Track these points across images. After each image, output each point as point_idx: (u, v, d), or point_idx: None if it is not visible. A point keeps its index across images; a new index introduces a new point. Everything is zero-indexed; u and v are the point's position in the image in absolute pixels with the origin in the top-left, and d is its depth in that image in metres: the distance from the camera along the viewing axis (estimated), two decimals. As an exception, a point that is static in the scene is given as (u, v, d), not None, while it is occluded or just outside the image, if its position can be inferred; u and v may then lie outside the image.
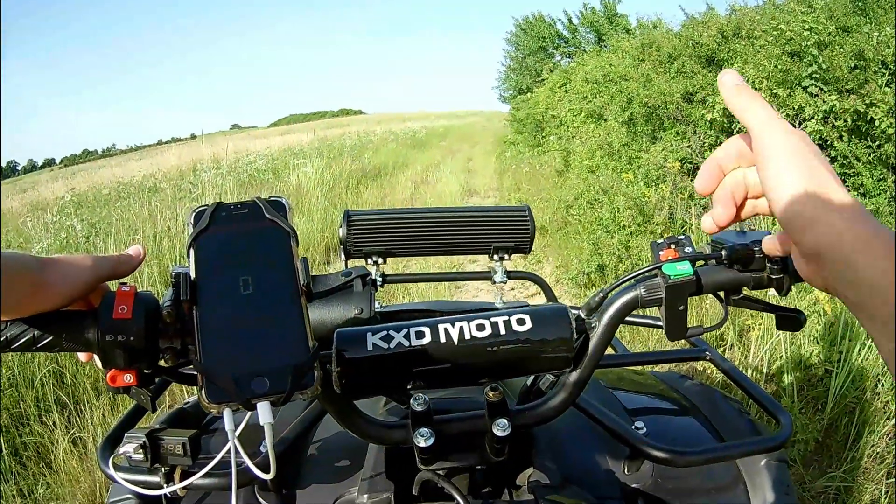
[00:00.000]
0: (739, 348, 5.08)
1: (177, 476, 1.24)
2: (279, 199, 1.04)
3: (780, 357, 4.72)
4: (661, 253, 1.17)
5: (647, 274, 1.16)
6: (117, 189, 15.49)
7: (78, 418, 4.80)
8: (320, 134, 32.00)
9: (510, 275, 2.25)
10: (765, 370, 4.73)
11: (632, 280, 1.17)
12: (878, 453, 3.92)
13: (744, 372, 1.73)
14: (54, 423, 4.65)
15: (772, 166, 0.85)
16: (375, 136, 32.44)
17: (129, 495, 1.47)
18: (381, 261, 2.14)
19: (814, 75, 7.08)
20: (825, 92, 6.93)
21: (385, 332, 1.07)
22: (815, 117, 6.88)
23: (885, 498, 3.61)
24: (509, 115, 32.37)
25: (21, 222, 11.84)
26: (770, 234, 1.10)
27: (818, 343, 4.72)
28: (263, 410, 0.84)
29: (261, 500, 1.41)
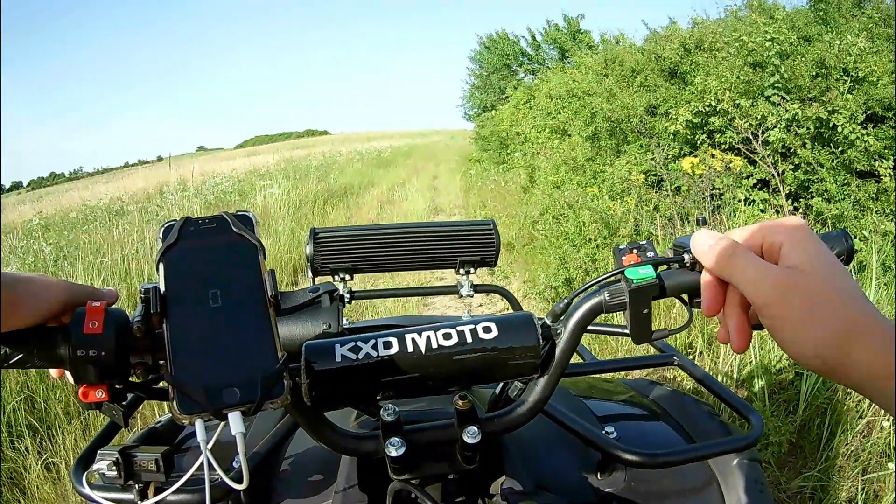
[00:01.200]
0: (709, 355, 5.12)
1: (150, 492, 1.24)
2: (246, 214, 1.05)
3: (750, 362, 4.76)
4: (623, 258, 1.17)
5: (610, 279, 1.17)
6: (84, 212, 15.50)
7: (50, 443, 4.79)
8: (286, 155, 32.16)
9: (477, 288, 2.27)
10: (735, 376, 4.77)
11: (595, 286, 1.18)
12: (851, 451, 3.96)
13: (714, 378, 1.75)
14: (26, 449, 4.63)
15: (785, 328, 0.85)
16: (341, 156, 32.68)
17: None
18: (348, 277, 2.15)
19: (776, 85, 7.15)
20: (788, 101, 7.01)
21: (353, 344, 1.07)
22: (779, 126, 6.94)
23: (861, 495, 3.65)
24: (474, 133, 32.51)
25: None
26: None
27: None
28: (235, 420, 0.85)
29: None
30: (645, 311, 1.14)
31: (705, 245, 0.98)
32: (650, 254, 1.17)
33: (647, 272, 1.12)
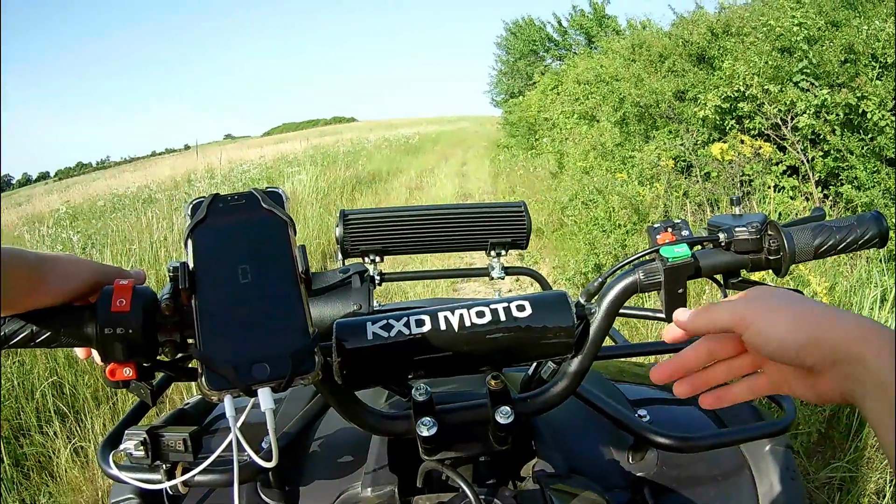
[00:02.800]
0: None
1: (178, 472, 1.23)
2: (276, 190, 1.05)
3: None
4: (658, 236, 1.18)
5: (645, 258, 1.17)
6: (112, 201, 15.45)
7: (78, 427, 4.79)
8: (314, 142, 32.03)
9: (507, 270, 2.25)
10: None
11: (630, 265, 1.18)
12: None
13: None
14: (55, 433, 4.65)
15: (760, 321, 0.88)
16: (369, 142, 32.43)
17: (131, 495, 1.46)
18: (378, 259, 2.13)
19: (804, 70, 7.08)
20: (816, 86, 6.93)
21: (385, 321, 1.07)
22: (808, 112, 6.87)
23: (890, 487, 3.61)
24: (501, 119, 32.34)
25: (17, 234, 11.83)
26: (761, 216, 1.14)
27: None
28: (264, 396, 0.85)
29: (263, 497, 1.41)
30: (680, 291, 1.15)
31: (685, 318, 0.97)
32: (685, 233, 1.18)
33: (683, 251, 1.13)
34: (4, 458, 4.37)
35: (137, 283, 1.04)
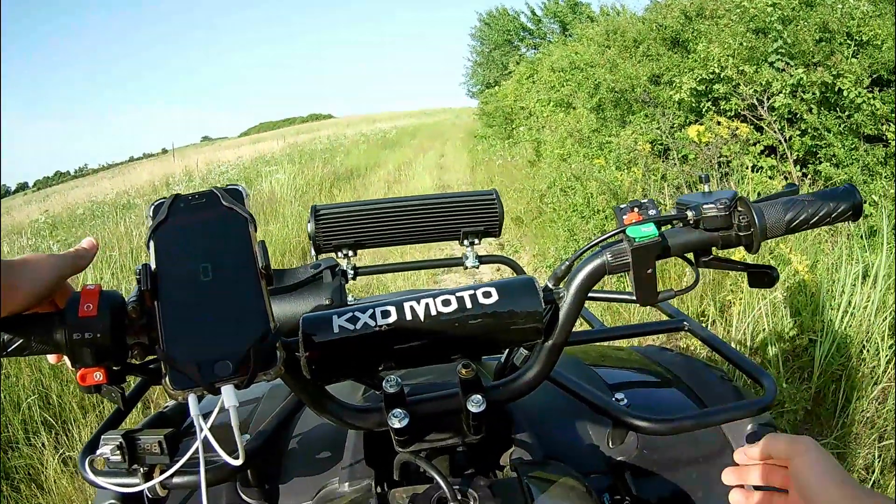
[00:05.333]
0: (721, 323, 5.10)
1: (156, 475, 1.22)
2: (236, 187, 1.05)
3: (763, 330, 4.74)
4: (624, 217, 1.18)
5: (611, 239, 1.17)
6: (91, 208, 15.57)
7: (66, 438, 4.80)
8: (291, 140, 32.33)
9: (482, 259, 2.25)
10: (748, 343, 4.74)
11: (597, 247, 1.18)
12: (867, 418, 3.94)
13: (725, 342, 1.73)
14: (43, 445, 4.65)
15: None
16: (346, 138, 32.78)
17: (113, 500, 1.45)
18: (351, 253, 2.13)
19: (780, 50, 7.09)
20: (792, 66, 6.96)
21: (350, 314, 1.07)
22: (784, 91, 6.90)
23: (878, 462, 3.63)
24: (478, 110, 32.48)
25: (-4, 247, 11.84)
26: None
27: (800, 314, 4.72)
28: (227, 393, 0.85)
29: (243, 496, 1.40)
30: (649, 272, 1.15)
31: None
32: (652, 212, 1.17)
33: (650, 230, 1.12)
34: None
35: (92, 253, 1.07)
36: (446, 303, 1.08)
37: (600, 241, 1.19)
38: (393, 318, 1.06)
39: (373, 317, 1.06)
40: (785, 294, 4.88)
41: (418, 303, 1.08)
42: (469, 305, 1.07)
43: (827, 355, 4.30)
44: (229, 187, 1.05)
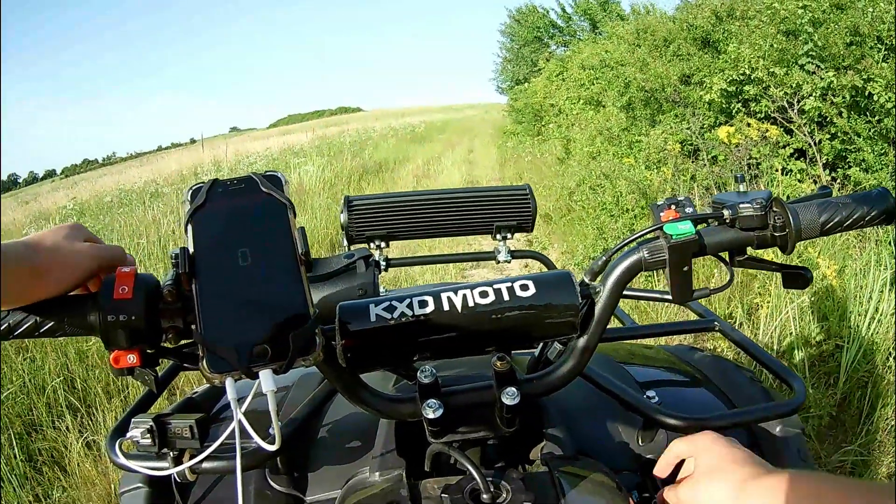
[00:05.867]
0: (749, 326, 5.06)
1: (185, 459, 1.23)
2: (275, 174, 1.06)
3: (790, 334, 4.69)
4: (661, 214, 1.18)
5: (648, 236, 1.17)
6: (119, 196, 15.46)
7: (90, 421, 4.83)
8: (320, 132, 31.99)
9: (514, 254, 2.26)
10: (775, 347, 4.69)
11: (634, 243, 1.18)
12: (892, 427, 3.89)
13: (756, 343, 1.72)
14: (67, 428, 4.67)
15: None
16: (375, 132, 32.51)
17: (140, 483, 1.47)
18: (383, 245, 2.15)
19: (810, 53, 7.03)
20: (822, 69, 6.89)
21: (388, 303, 1.07)
22: (814, 94, 6.84)
23: (902, 470, 3.55)
24: (507, 106, 32.32)
25: (25, 233, 11.84)
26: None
27: (827, 319, 4.69)
28: (265, 378, 0.87)
29: (272, 483, 1.41)
30: (685, 269, 1.15)
31: None
32: (689, 209, 1.18)
33: (687, 228, 1.13)
34: (18, 454, 4.40)
35: (128, 259, 1.07)
36: (484, 294, 1.08)
37: (637, 238, 1.19)
38: (430, 308, 1.07)
39: (410, 306, 1.07)
40: (812, 298, 4.85)
41: (456, 293, 1.08)
42: (507, 298, 1.08)
43: (853, 361, 4.26)
44: (268, 173, 1.06)
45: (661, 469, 1.22)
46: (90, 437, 4.62)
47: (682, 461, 1.20)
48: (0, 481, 4.14)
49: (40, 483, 4.32)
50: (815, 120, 7.05)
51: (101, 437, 4.61)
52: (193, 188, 1.04)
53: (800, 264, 1.23)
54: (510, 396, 1.08)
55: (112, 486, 4.15)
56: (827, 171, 7.05)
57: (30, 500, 4.15)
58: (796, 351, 4.57)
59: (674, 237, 1.12)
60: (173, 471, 1.20)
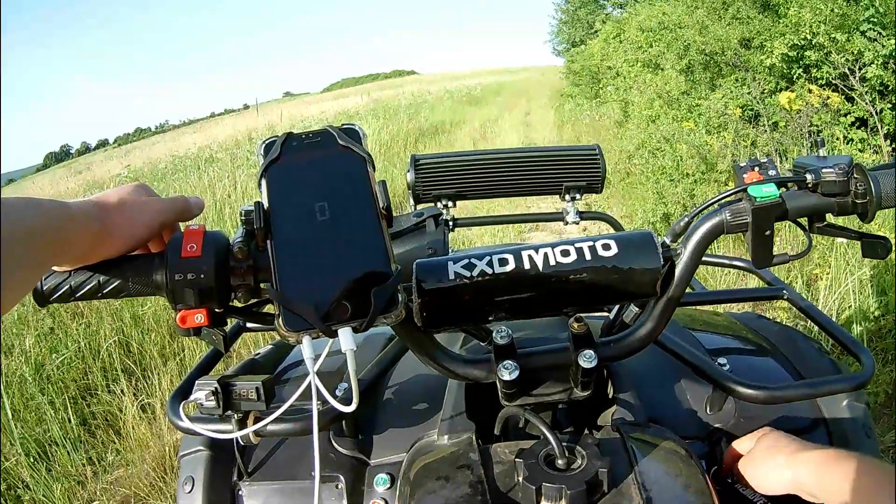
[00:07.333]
0: (808, 298, 4.92)
1: (250, 421, 1.23)
2: (352, 126, 1.04)
3: (849, 307, 4.67)
4: (745, 175, 1.16)
5: (731, 198, 1.15)
6: (173, 162, 15.66)
7: (145, 384, 4.91)
8: (374, 96, 32.05)
9: (582, 215, 2.22)
10: (834, 319, 4.58)
11: (716, 205, 1.16)
12: None
13: (824, 313, 1.69)
14: (122, 391, 4.76)
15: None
16: (430, 95, 32.42)
17: (201, 446, 1.47)
18: (450, 204, 2.13)
19: (871, 19, 6.95)
20: (884, 36, 6.81)
21: (467, 261, 1.05)
22: (875, 62, 6.78)
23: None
24: (564, 69, 32.05)
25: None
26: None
27: (886, 293, 4.67)
28: (345, 336, 0.85)
29: (336, 446, 1.41)
30: (767, 233, 1.12)
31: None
32: (772, 172, 1.16)
33: (771, 190, 1.10)
34: (73, 418, 4.49)
35: (197, 211, 1.07)
36: (565, 253, 1.05)
37: (720, 199, 1.16)
38: (511, 266, 1.04)
39: (490, 264, 1.04)
40: (872, 272, 4.80)
41: (537, 252, 1.06)
42: (588, 257, 1.05)
43: (911, 338, 4.16)
44: (345, 126, 1.04)
45: (733, 451, 1.27)
46: (145, 401, 4.71)
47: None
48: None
49: (94, 447, 4.41)
50: (877, 88, 6.97)
51: (157, 399, 4.69)
52: (267, 142, 1.04)
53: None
54: (587, 359, 1.07)
55: (166, 448, 4.21)
56: (888, 142, 6.97)
57: (83, 462, 4.22)
58: (854, 325, 4.53)
59: (758, 200, 1.10)
60: (240, 433, 1.20)
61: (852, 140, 7.06)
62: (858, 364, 1.43)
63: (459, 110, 25.68)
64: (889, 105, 6.87)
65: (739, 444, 1.26)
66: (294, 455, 1.45)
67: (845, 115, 7.19)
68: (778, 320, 2.08)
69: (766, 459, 1.15)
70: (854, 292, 4.67)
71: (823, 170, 1.13)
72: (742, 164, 1.19)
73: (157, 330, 5.49)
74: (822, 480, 1.06)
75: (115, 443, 4.41)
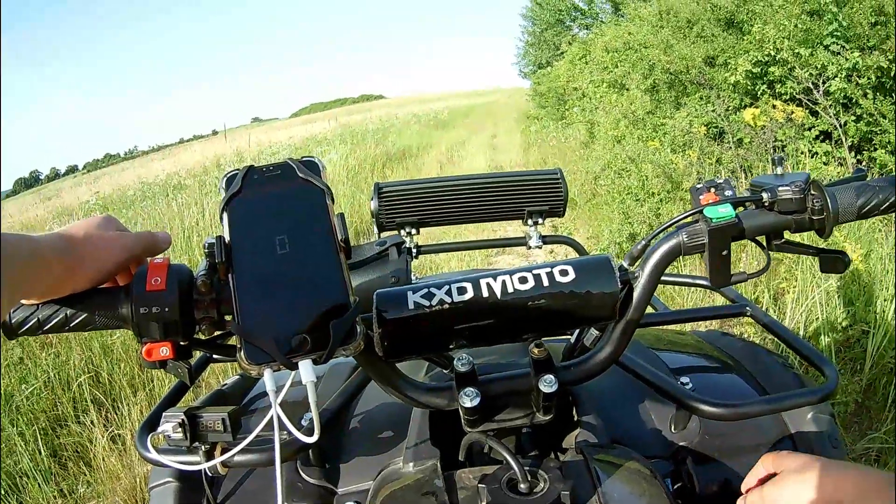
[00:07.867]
0: (775, 312, 5.04)
1: (217, 453, 1.22)
2: (312, 159, 1.05)
3: (816, 319, 4.68)
4: (701, 197, 1.17)
5: (688, 219, 1.15)
6: (142, 189, 15.59)
7: (115, 415, 4.87)
8: (342, 121, 32.23)
9: (545, 239, 2.23)
10: (801, 332, 4.66)
11: (673, 227, 1.17)
12: None
13: (787, 328, 1.69)
14: (92, 422, 4.72)
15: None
16: (398, 119, 32.69)
17: (170, 478, 1.46)
18: (414, 231, 2.14)
19: (835, 33, 6.99)
20: (847, 49, 6.85)
21: (426, 290, 1.05)
22: (839, 76, 6.82)
23: (927, 459, 3.53)
24: (531, 90, 32.34)
25: (48, 228, 11.92)
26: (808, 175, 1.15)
27: (853, 304, 4.68)
28: (305, 368, 0.85)
29: (304, 475, 1.41)
30: (724, 253, 1.14)
31: None
32: (728, 192, 1.17)
33: (727, 211, 1.11)
34: (42, 449, 4.45)
35: (164, 246, 1.07)
36: (523, 280, 1.06)
37: (676, 221, 1.17)
38: (469, 294, 1.04)
39: (449, 293, 1.04)
40: (838, 283, 4.83)
41: (495, 279, 1.06)
42: (546, 283, 1.05)
43: (879, 347, 4.24)
44: (305, 159, 1.05)
45: (750, 483, 1.21)
46: (115, 432, 4.67)
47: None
48: None
49: (65, 478, 4.37)
50: (841, 102, 7.02)
51: (127, 430, 4.66)
52: (228, 175, 1.03)
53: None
54: (548, 384, 1.07)
55: (137, 479, 4.19)
56: (853, 154, 7.03)
57: (54, 495, 4.19)
58: (822, 336, 4.56)
59: (714, 220, 1.11)
60: (206, 465, 1.19)
61: (817, 153, 7.13)
62: (823, 377, 1.44)
63: (427, 134, 25.80)
64: (853, 117, 6.94)
65: (766, 462, 1.19)
66: (262, 485, 1.46)
67: (809, 129, 7.27)
68: (745, 336, 2.05)
69: (796, 485, 1.09)
70: (821, 304, 4.71)
71: (780, 188, 1.15)
72: (699, 186, 1.21)
73: (127, 360, 5.47)
74: (862, 492, 1.01)
75: (85, 474, 4.38)
